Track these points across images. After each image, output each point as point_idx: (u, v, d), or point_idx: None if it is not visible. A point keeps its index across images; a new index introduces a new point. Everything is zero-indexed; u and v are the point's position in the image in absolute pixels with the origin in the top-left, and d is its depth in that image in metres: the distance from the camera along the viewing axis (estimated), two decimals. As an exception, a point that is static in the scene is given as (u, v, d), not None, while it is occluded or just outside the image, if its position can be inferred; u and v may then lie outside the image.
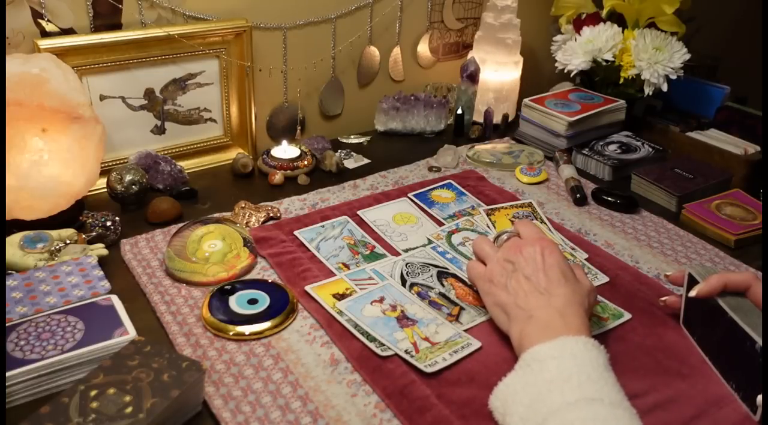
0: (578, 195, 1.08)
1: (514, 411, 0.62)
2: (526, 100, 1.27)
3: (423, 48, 1.39)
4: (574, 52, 1.30)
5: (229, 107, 1.17)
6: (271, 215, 0.99)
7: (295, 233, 0.94)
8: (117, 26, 1.04)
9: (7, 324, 0.70)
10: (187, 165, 1.13)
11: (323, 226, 0.96)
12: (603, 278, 0.88)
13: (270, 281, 0.84)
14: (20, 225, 0.86)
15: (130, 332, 0.70)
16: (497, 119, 1.35)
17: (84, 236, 0.89)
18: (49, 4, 0.98)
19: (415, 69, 1.41)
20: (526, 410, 0.61)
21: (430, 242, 0.95)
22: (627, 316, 0.81)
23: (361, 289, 0.83)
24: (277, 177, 1.09)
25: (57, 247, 0.84)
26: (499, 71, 1.35)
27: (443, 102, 1.32)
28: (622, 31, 1.28)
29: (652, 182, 1.11)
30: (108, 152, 1.05)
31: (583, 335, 0.66)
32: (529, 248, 0.76)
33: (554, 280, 0.72)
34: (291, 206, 1.03)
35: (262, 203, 1.02)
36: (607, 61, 1.28)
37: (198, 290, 0.83)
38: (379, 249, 0.92)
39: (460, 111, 1.30)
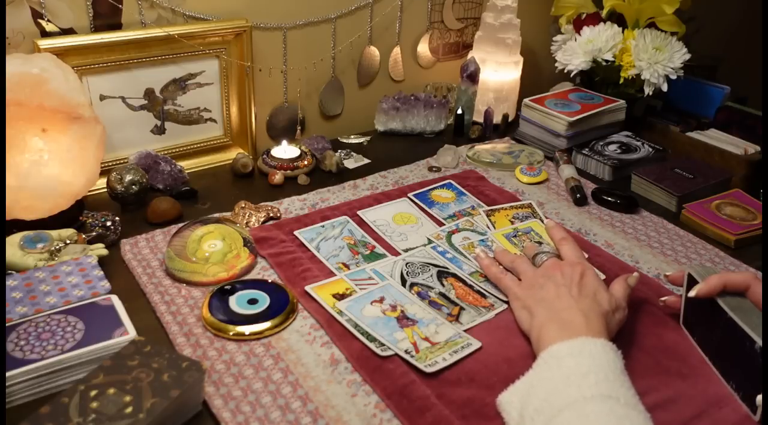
0: (578, 195, 1.08)
1: (529, 403, 0.62)
2: (526, 100, 1.27)
3: (423, 48, 1.39)
4: (574, 52, 1.30)
5: (229, 107, 1.17)
6: (271, 215, 0.99)
7: (295, 233, 0.94)
8: (117, 26, 1.04)
9: (7, 324, 0.70)
10: (187, 165, 1.13)
11: (323, 226, 0.96)
12: (600, 276, 0.88)
13: (270, 281, 0.84)
14: (20, 225, 0.86)
15: (130, 332, 0.70)
16: (497, 119, 1.35)
17: (84, 236, 0.89)
18: (49, 4, 0.98)
19: (415, 69, 1.41)
20: (542, 402, 0.61)
21: (430, 241, 0.95)
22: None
23: (361, 289, 0.83)
24: (277, 177, 1.09)
25: (57, 247, 0.84)
26: (499, 71, 1.35)
27: (443, 102, 1.32)
28: (622, 31, 1.28)
29: (652, 182, 1.11)
30: (108, 152, 1.05)
31: (603, 338, 0.68)
32: (568, 268, 0.79)
33: (584, 293, 0.74)
34: (291, 206, 1.03)
35: (262, 203, 1.02)
36: (607, 61, 1.28)
37: (198, 290, 0.83)
38: (379, 249, 0.92)
39: (460, 111, 1.30)
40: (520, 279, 0.82)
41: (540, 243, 0.94)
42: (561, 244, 0.86)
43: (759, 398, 0.65)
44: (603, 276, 0.88)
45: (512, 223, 1.00)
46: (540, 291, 0.77)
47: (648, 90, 1.26)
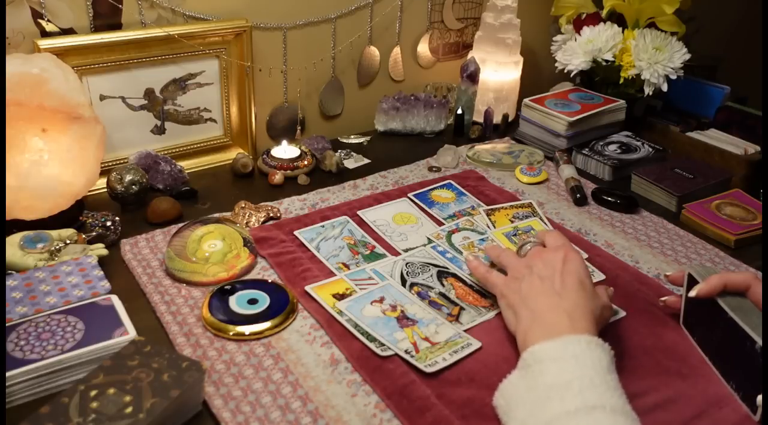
0: (578, 195, 1.08)
1: (516, 416, 0.62)
2: (526, 100, 1.27)
3: (423, 48, 1.39)
4: (574, 52, 1.30)
5: (229, 107, 1.17)
6: (271, 215, 0.99)
7: (295, 233, 0.94)
8: (117, 26, 1.04)
9: (7, 324, 0.70)
10: (187, 165, 1.13)
11: (323, 226, 0.96)
12: (599, 276, 0.88)
13: (270, 281, 0.84)
14: (20, 225, 0.86)
15: (130, 332, 0.70)
16: (497, 119, 1.35)
17: (84, 236, 0.89)
18: (49, 4, 0.98)
19: (415, 69, 1.41)
20: (527, 416, 0.60)
21: (430, 241, 0.95)
22: (622, 313, 0.81)
23: (361, 289, 0.83)
24: (277, 177, 1.09)
25: (57, 247, 0.84)
26: (499, 71, 1.35)
27: (443, 102, 1.32)
28: (622, 31, 1.28)
29: (652, 182, 1.11)
30: (108, 152, 1.05)
31: (587, 334, 0.65)
32: (551, 253, 0.76)
33: (569, 285, 0.71)
34: (291, 206, 1.03)
35: (262, 203, 1.02)
36: (607, 61, 1.28)
37: (198, 290, 0.83)
38: (379, 249, 0.92)
39: (460, 111, 1.30)
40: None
41: None
42: (544, 234, 0.82)
43: (759, 398, 0.65)
44: (603, 276, 0.88)
45: (512, 222, 1.00)
46: (522, 285, 0.74)
47: (648, 90, 1.26)
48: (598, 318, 0.70)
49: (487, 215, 1.01)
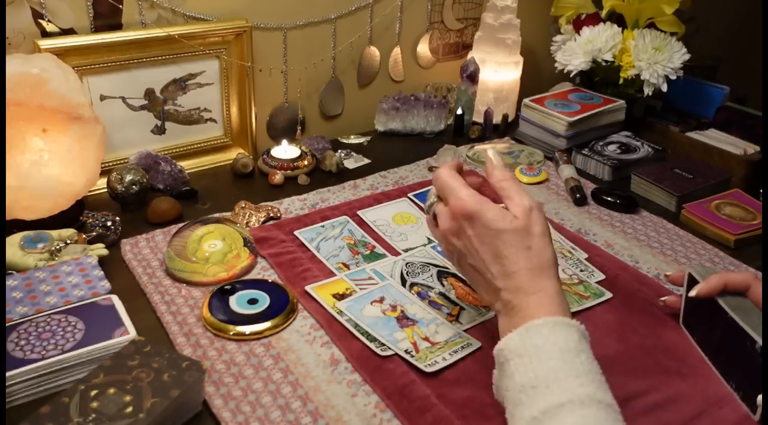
0: (578, 195, 1.08)
1: (512, 412, 0.61)
2: (526, 101, 1.27)
3: (423, 48, 1.39)
4: (574, 52, 1.30)
5: (229, 107, 1.17)
6: (271, 215, 0.99)
7: (295, 233, 0.94)
8: (117, 26, 1.04)
9: (7, 324, 0.70)
10: (187, 165, 1.13)
11: (323, 226, 0.96)
12: (599, 276, 0.88)
13: (270, 281, 0.84)
14: (20, 225, 0.86)
15: (131, 332, 0.70)
16: (497, 119, 1.35)
17: (84, 236, 0.89)
18: (49, 4, 0.98)
19: (415, 69, 1.41)
20: (512, 419, 0.60)
21: (430, 241, 0.95)
22: (608, 295, 0.83)
23: (361, 289, 0.83)
24: (277, 177, 1.09)
25: (57, 247, 0.84)
26: (498, 71, 1.35)
27: (443, 102, 1.32)
28: (622, 32, 1.28)
29: (652, 182, 1.11)
30: (108, 152, 1.05)
31: (546, 315, 0.61)
32: (452, 236, 0.69)
33: (489, 262, 0.65)
34: (291, 206, 1.03)
35: (262, 203, 1.02)
36: (606, 61, 1.28)
37: (198, 290, 0.83)
38: (379, 249, 0.92)
39: (460, 111, 1.30)
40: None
41: None
42: (444, 187, 0.71)
43: (759, 398, 0.65)
44: (603, 276, 0.88)
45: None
46: (466, 272, 0.71)
47: (647, 90, 1.26)
48: (546, 264, 0.64)
49: (487, 215, 1.01)
